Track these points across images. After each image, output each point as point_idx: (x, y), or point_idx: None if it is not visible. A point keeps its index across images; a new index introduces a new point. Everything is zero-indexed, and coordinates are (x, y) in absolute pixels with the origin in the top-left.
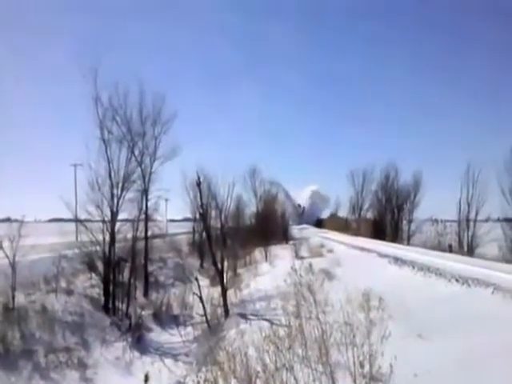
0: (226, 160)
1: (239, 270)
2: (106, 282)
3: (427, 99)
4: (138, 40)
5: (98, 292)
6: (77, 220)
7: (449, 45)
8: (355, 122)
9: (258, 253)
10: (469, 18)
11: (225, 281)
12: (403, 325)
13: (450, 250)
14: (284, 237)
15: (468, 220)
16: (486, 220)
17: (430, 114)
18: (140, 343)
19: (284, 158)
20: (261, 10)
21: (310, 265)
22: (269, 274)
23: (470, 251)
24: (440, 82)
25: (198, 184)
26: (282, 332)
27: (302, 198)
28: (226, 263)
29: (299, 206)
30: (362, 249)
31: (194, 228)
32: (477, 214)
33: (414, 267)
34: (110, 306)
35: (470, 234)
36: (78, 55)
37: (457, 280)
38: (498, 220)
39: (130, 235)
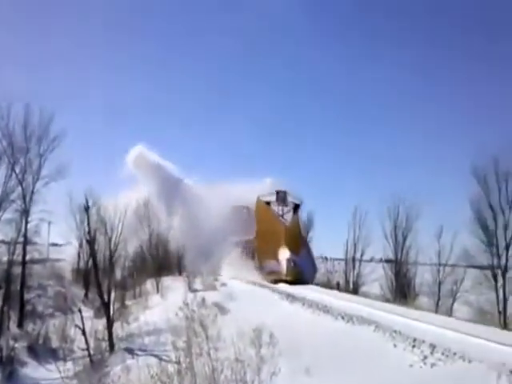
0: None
1: (128, 302)
2: None
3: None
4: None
5: None
6: None
7: None
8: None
9: (149, 284)
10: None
11: (111, 313)
12: (292, 361)
13: (338, 287)
14: (178, 268)
15: (354, 259)
16: (370, 260)
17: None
18: (12, 379)
19: None
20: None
21: (203, 299)
22: (160, 306)
23: (355, 289)
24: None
25: (86, 208)
26: (171, 369)
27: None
28: (113, 294)
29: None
30: (255, 283)
31: (79, 254)
32: (362, 255)
33: (304, 304)
34: None
35: (355, 272)
36: None
37: (342, 317)
38: (381, 261)
39: (5, 259)
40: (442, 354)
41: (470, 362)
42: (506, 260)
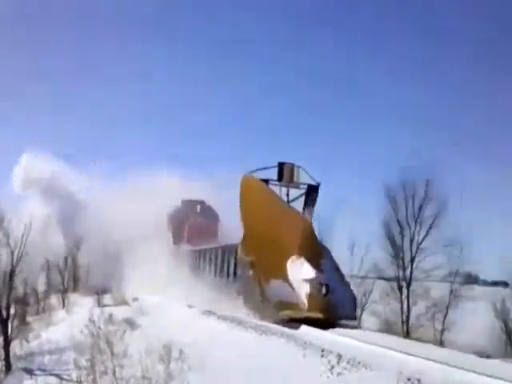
0: None
1: (29, 318)
2: None
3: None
4: None
5: None
6: None
7: None
8: None
9: (54, 299)
10: None
11: (9, 330)
12: (202, 376)
13: None
14: (87, 283)
15: None
16: None
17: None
18: None
19: None
20: None
21: (110, 315)
22: (65, 322)
23: None
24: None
25: None
26: None
27: None
28: (12, 310)
29: None
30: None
31: None
32: None
33: (219, 318)
34: None
35: None
36: None
37: (255, 330)
38: None
39: None
40: (348, 363)
41: (371, 370)
42: (411, 272)
